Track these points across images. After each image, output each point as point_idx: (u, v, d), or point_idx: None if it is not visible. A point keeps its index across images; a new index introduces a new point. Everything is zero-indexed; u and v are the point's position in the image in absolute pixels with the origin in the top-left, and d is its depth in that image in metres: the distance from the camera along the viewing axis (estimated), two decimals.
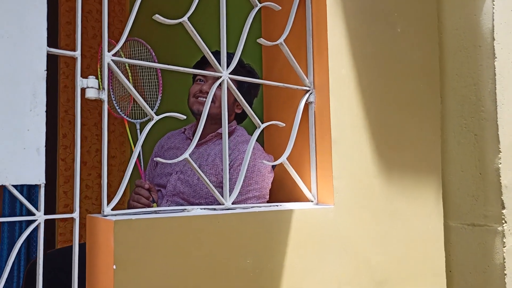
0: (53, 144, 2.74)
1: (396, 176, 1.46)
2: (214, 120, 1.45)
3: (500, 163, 0.93)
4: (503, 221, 0.97)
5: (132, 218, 0.94)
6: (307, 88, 1.37)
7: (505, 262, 0.92)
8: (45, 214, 0.89)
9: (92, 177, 2.83)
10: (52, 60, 2.75)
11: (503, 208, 0.97)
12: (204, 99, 1.43)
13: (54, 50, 0.93)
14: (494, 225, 0.92)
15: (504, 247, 0.94)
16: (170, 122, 1.33)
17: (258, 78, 1.55)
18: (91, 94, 0.97)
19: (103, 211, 0.97)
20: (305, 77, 1.36)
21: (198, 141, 1.47)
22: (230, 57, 1.23)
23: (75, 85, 0.96)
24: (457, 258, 0.81)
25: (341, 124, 1.34)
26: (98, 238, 0.96)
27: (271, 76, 1.54)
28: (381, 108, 1.46)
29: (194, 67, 1.53)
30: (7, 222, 2.41)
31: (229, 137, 1.45)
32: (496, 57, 1.02)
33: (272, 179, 1.40)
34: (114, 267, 0.90)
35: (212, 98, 1.40)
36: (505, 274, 0.91)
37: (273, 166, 1.47)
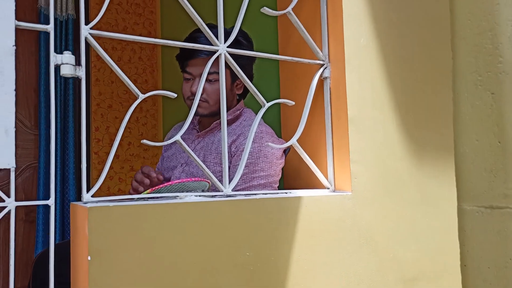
0: (87, 136, 2.75)
1: (428, 159, 1.28)
2: (217, 111, 1.32)
3: None
4: None
5: (109, 205, 0.85)
6: (321, 62, 1.22)
7: None
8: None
9: (125, 170, 2.82)
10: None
11: None
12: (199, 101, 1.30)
13: (23, 24, 0.86)
14: None
15: None
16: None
17: (253, 48, 1.39)
18: (66, 71, 0.89)
19: (82, 198, 0.89)
20: (318, 49, 1.22)
21: (203, 130, 1.38)
22: (228, 33, 1.10)
23: (50, 62, 0.88)
24: (472, 249, 0.65)
25: (360, 100, 1.19)
26: (77, 227, 0.89)
27: (287, 51, 1.40)
28: (406, 81, 1.28)
29: (178, 60, 1.38)
30: (42, 209, 2.45)
31: (235, 121, 1.34)
32: None
33: (282, 166, 1.27)
34: (89, 258, 0.81)
35: (205, 98, 1.30)
36: None
37: (286, 152, 1.34)
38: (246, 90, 1.40)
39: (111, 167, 2.75)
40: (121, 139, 2.79)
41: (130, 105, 2.95)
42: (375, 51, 1.23)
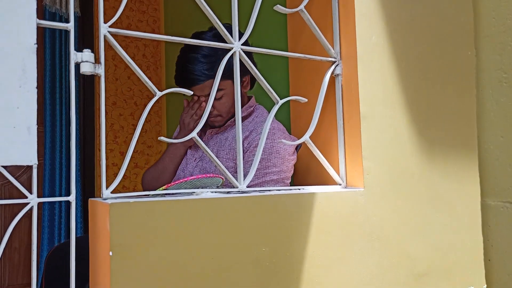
0: (92, 134, 2.76)
1: (438, 156, 1.30)
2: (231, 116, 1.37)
3: None
4: None
5: (130, 201, 0.86)
6: (333, 59, 1.23)
7: None
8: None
9: (129, 167, 2.83)
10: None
11: None
12: (212, 117, 1.36)
13: (44, 22, 0.86)
14: None
15: None
16: None
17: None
18: (86, 68, 0.90)
19: (102, 194, 0.90)
20: (330, 47, 1.23)
21: (217, 127, 1.39)
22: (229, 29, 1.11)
23: (69, 59, 0.89)
24: (497, 244, 0.67)
25: (372, 98, 1.20)
26: (97, 223, 0.90)
27: (297, 48, 1.41)
28: (420, 79, 1.30)
29: (176, 83, 1.39)
30: (48, 206, 2.46)
31: (247, 118, 1.35)
32: None
33: (294, 162, 1.28)
34: (110, 253, 0.83)
35: (217, 114, 1.35)
36: None
37: (297, 148, 1.35)
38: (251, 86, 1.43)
39: (115, 164, 2.76)
40: (125, 136, 2.80)
41: (134, 103, 2.96)
42: (386, 49, 1.24)
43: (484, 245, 0.68)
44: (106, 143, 2.76)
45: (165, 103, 2.98)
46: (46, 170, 2.53)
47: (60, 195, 2.51)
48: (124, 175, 2.83)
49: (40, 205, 2.49)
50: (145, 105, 2.94)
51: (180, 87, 1.35)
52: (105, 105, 2.79)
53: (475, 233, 1.31)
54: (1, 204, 2.52)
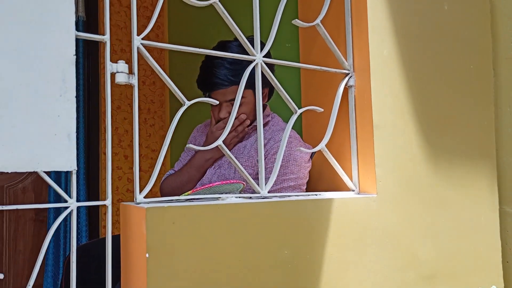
0: (96, 137, 2.79)
1: (444, 163, 1.36)
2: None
3: None
4: None
5: (164, 205, 0.91)
6: (347, 71, 1.29)
7: None
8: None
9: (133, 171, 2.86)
10: (93, 54, 2.81)
11: None
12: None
13: (83, 34, 0.91)
14: None
15: None
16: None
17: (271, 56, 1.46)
18: (121, 79, 0.94)
19: (135, 199, 0.95)
20: (344, 59, 1.29)
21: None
22: (251, 41, 1.17)
23: (105, 70, 0.94)
24: None
25: (384, 108, 1.26)
26: (131, 226, 0.94)
27: (308, 59, 1.47)
28: (427, 90, 1.36)
29: (198, 87, 1.45)
30: (53, 209, 2.48)
31: (264, 126, 1.41)
32: None
33: (309, 169, 1.34)
34: (147, 255, 0.87)
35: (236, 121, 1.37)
36: None
37: (311, 156, 1.41)
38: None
39: (119, 167, 2.79)
40: (130, 140, 2.83)
41: (138, 107, 2.98)
42: (397, 61, 1.30)
43: (502, 248, 0.74)
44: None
45: (169, 108, 3.03)
46: (52, 173, 2.56)
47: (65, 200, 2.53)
48: (129, 178, 2.86)
49: (44, 208, 2.51)
50: (148, 110, 2.97)
51: (201, 91, 1.41)
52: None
53: (481, 237, 1.38)
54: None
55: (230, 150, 1.45)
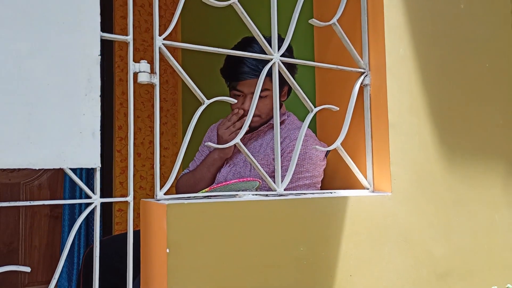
0: (110, 135, 2.83)
1: (459, 162, 1.37)
2: (265, 122, 1.43)
3: None
4: None
5: (184, 202, 0.93)
6: (362, 70, 1.30)
7: None
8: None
9: (146, 168, 2.90)
10: (107, 53, 2.84)
11: None
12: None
13: (107, 35, 0.93)
14: None
15: None
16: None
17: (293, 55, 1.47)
18: (143, 78, 0.97)
19: (156, 196, 0.97)
20: (359, 58, 1.30)
21: (250, 134, 1.46)
22: (270, 41, 1.18)
23: (128, 70, 0.96)
24: None
25: (399, 107, 1.27)
26: (151, 222, 0.96)
27: (324, 58, 1.48)
28: (443, 89, 1.37)
29: (223, 77, 1.45)
30: (68, 206, 2.52)
31: (280, 125, 1.42)
32: None
33: (324, 167, 1.35)
34: (168, 250, 0.89)
35: (257, 113, 1.38)
36: None
37: (326, 154, 1.42)
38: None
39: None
40: (143, 138, 2.87)
41: (151, 105, 3.02)
42: (413, 60, 1.31)
43: None
44: (124, 144, 2.82)
45: (181, 105, 3.05)
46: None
47: (80, 197, 2.57)
48: (141, 175, 2.90)
49: (59, 204, 2.55)
50: (161, 108, 3.00)
51: (227, 80, 1.42)
52: (123, 107, 2.86)
53: (495, 236, 1.39)
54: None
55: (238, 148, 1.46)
